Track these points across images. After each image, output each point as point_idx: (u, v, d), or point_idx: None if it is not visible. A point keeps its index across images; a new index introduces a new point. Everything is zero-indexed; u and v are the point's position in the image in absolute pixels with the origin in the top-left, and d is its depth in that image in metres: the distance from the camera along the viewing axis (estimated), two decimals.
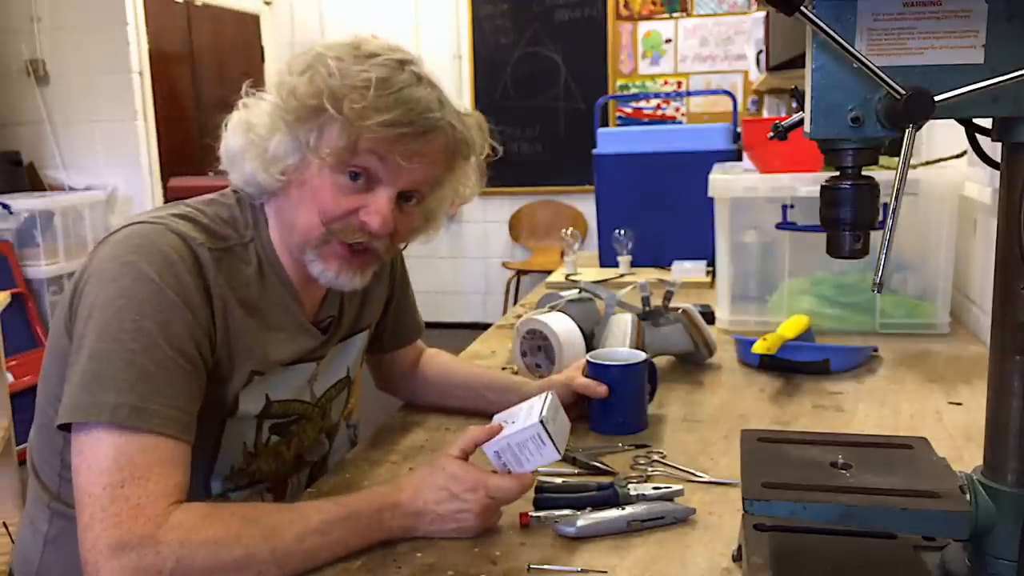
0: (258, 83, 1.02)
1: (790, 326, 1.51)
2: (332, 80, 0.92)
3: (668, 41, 5.27)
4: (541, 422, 0.91)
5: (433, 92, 0.97)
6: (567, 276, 2.40)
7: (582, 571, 0.85)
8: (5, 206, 3.80)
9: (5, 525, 2.15)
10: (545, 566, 0.85)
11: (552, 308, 1.49)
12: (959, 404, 1.29)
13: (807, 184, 1.64)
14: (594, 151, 2.52)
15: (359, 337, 1.20)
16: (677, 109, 5.34)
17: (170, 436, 0.84)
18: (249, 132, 0.97)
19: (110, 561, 0.77)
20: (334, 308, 1.12)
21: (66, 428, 0.84)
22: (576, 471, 1.09)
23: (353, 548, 0.88)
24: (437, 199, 1.06)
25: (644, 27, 5.29)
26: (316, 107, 0.93)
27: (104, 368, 0.83)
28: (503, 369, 1.56)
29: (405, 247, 1.12)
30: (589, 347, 1.41)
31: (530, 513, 0.94)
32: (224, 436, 1.01)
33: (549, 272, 2.70)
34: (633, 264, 2.43)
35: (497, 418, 0.98)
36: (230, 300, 0.95)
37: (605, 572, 0.84)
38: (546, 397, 0.98)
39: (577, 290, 1.56)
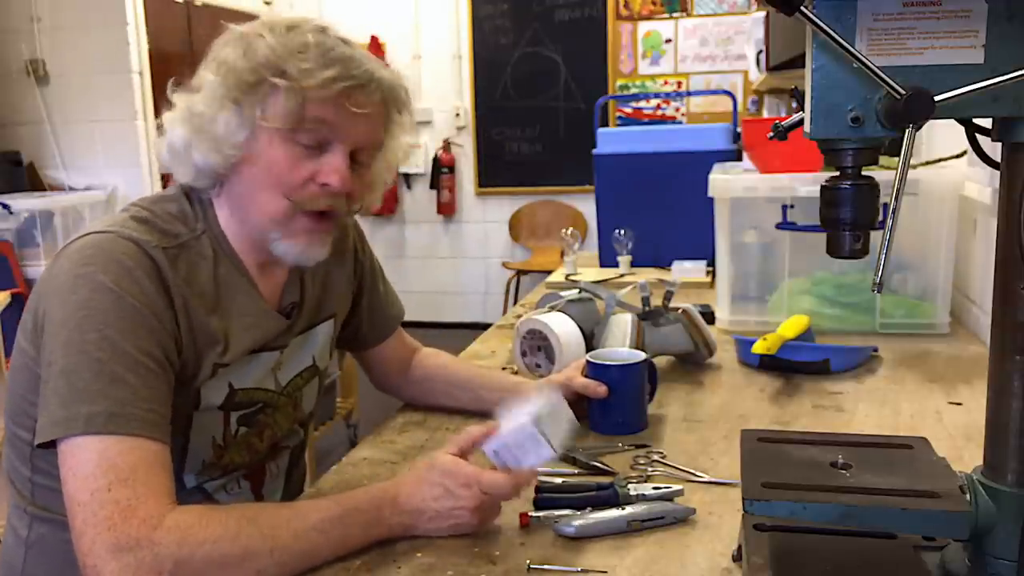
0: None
1: (790, 326, 1.51)
2: (269, 51, 0.94)
3: (668, 41, 5.27)
4: (535, 421, 0.91)
5: (359, 50, 1.01)
6: (567, 276, 2.40)
7: (582, 571, 0.85)
8: (5, 206, 3.80)
9: None
10: (545, 566, 0.85)
11: (552, 308, 1.49)
12: (959, 404, 1.29)
13: (807, 184, 1.64)
14: (594, 151, 2.52)
15: (323, 326, 1.19)
16: (677, 109, 5.34)
17: (148, 438, 0.85)
18: (192, 120, 0.98)
19: (110, 563, 0.77)
20: (295, 294, 1.12)
21: (47, 446, 0.85)
22: (576, 471, 1.09)
23: (352, 546, 0.88)
24: (381, 161, 1.09)
25: (644, 27, 5.29)
26: (258, 79, 0.95)
27: (74, 381, 0.84)
28: (503, 369, 1.56)
29: (360, 210, 1.12)
30: (589, 347, 1.41)
31: (530, 513, 0.94)
32: (192, 431, 1.01)
33: (549, 272, 2.70)
34: (633, 264, 2.43)
35: (498, 416, 0.98)
36: (189, 297, 0.96)
37: (605, 572, 0.84)
38: (545, 395, 0.98)
39: (577, 290, 1.56)
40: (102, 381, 0.84)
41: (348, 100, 0.96)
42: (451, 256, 5.86)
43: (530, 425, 0.91)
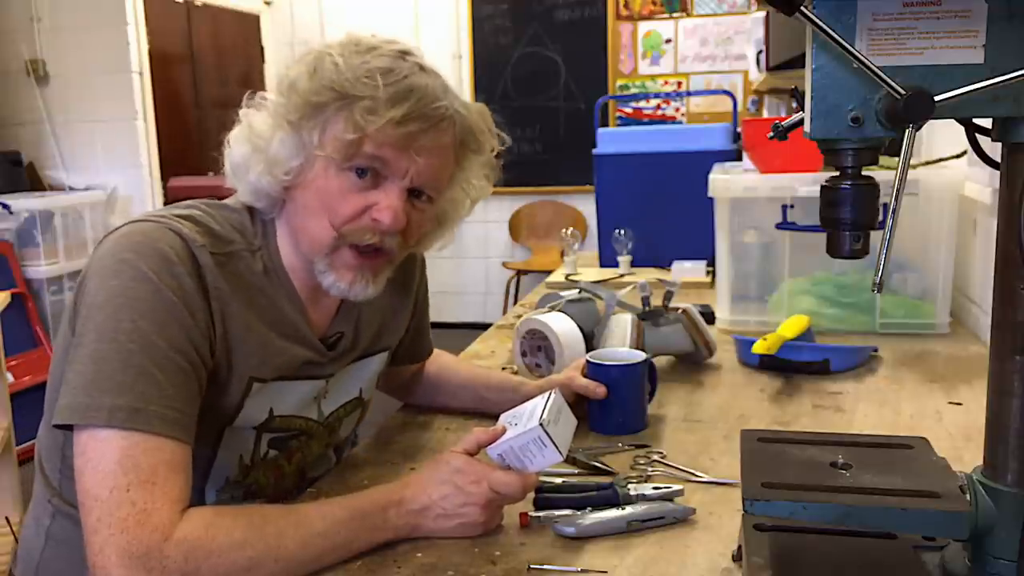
0: (258, 85, 1.01)
1: (790, 326, 1.51)
2: (336, 73, 0.91)
3: (668, 41, 5.27)
4: (541, 424, 0.91)
5: (438, 80, 0.96)
6: (567, 276, 2.40)
7: (582, 571, 0.85)
8: (5, 206, 3.80)
9: (8, 521, 2.15)
10: (545, 566, 0.85)
11: (552, 308, 1.49)
12: (959, 404, 1.29)
13: (807, 184, 1.64)
14: (594, 151, 2.52)
15: (377, 358, 1.17)
16: (677, 109, 5.34)
17: (172, 438, 0.83)
18: (252, 138, 0.96)
19: (118, 569, 0.77)
20: (347, 325, 1.09)
21: (65, 427, 0.84)
22: (576, 471, 1.09)
23: (358, 549, 0.88)
24: (447, 199, 1.05)
25: (644, 27, 5.29)
26: (320, 102, 0.92)
27: (101, 369, 0.83)
28: (503, 369, 1.56)
29: (417, 247, 1.08)
30: (589, 347, 1.41)
31: (530, 513, 0.94)
32: (221, 446, 0.99)
33: (549, 272, 2.70)
34: (633, 264, 2.43)
35: (502, 419, 0.98)
36: (229, 304, 0.93)
37: (605, 572, 0.84)
38: (549, 397, 0.98)
39: (577, 290, 1.56)
40: (130, 373, 0.82)
41: (412, 141, 0.93)
42: (451, 256, 5.85)
43: (537, 429, 0.91)
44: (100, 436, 0.81)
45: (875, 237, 0.70)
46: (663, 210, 2.42)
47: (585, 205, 5.39)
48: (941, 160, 1.73)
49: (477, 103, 1.02)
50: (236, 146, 0.98)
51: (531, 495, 0.98)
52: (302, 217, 0.97)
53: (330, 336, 1.07)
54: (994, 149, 0.70)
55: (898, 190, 0.64)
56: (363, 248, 0.97)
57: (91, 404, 0.81)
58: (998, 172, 0.70)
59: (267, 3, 5.57)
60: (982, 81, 0.64)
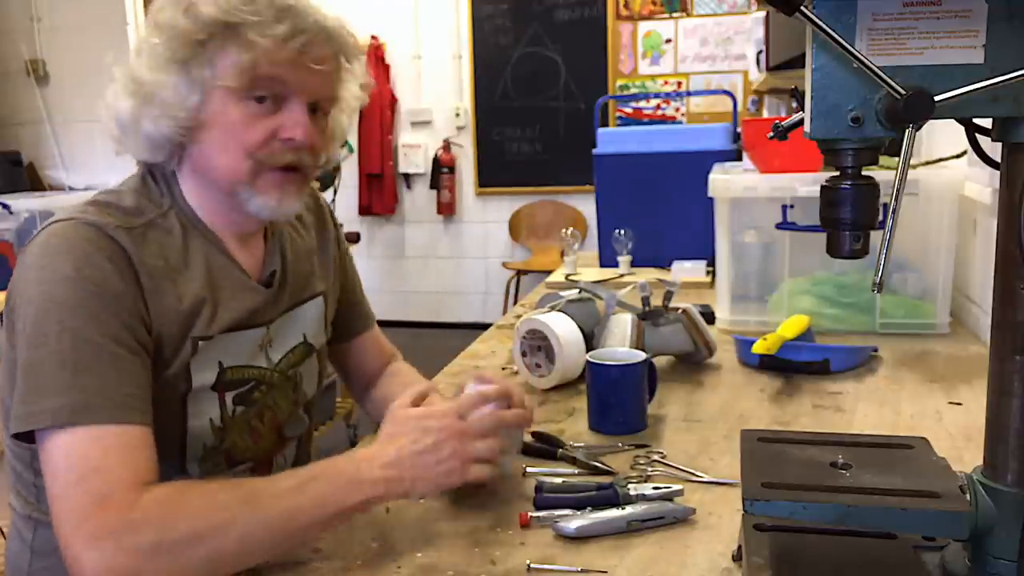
0: None
1: (790, 326, 1.51)
2: (215, 6, 0.91)
3: (668, 41, 5.27)
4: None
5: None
6: (567, 276, 2.40)
7: (582, 571, 0.85)
8: (5, 206, 3.80)
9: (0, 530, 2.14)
10: (545, 566, 0.85)
11: (552, 308, 1.49)
12: (959, 404, 1.29)
13: (807, 184, 1.64)
14: (594, 151, 2.52)
15: (312, 304, 1.17)
16: (677, 109, 5.34)
17: (123, 423, 0.84)
18: (138, 90, 0.95)
19: (88, 552, 0.77)
20: (275, 263, 1.10)
21: (27, 440, 0.85)
22: (576, 471, 1.09)
23: (335, 505, 0.86)
24: (338, 111, 1.07)
25: (644, 27, 5.29)
26: (206, 37, 0.92)
27: (38, 374, 0.84)
28: (503, 369, 1.56)
29: (325, 163, 1.09)
30: (589, 347, 1.41)
31: (530, 513, 0.94)
32: (188, 415, 0.99)
33: (549, 272, 2.70)
34: (633, 264, 2.43)
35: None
36: (160, 275, 0.94)
37: (605, 572, 0.84)
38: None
39: (577, 290, 1.56)
40: (65, 373, 0.83)
41: (304, 56, 0.94)
42: (451, 256, 5.86)
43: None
44: (49, 439, 0.83)
45: (875, 237, 0.70)
46: (663, 210, 2.42)
47: (585, 205, 5.39)
48: (941, 160, 1.73)
49: (335, 15, 1.02)
50: (121, 102, 0.96)
51: (531, 495, 0.98)
52: (211, 155, 0.97)
53: (265, 277, 1.08)
54: (994, 149, 0.70)
55: (898, 190, 0.64)
56: (283, 168, 0.99)
57: (33, 411, 0.83)
58: (998, 172, 0.70)
59: None
60: (982, 81, 0.64)
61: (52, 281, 0.87)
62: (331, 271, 1.23)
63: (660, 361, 1.53)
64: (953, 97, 0.64)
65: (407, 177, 5.79)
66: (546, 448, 1.14)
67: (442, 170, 5.63)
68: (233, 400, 1.04)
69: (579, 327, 1.43)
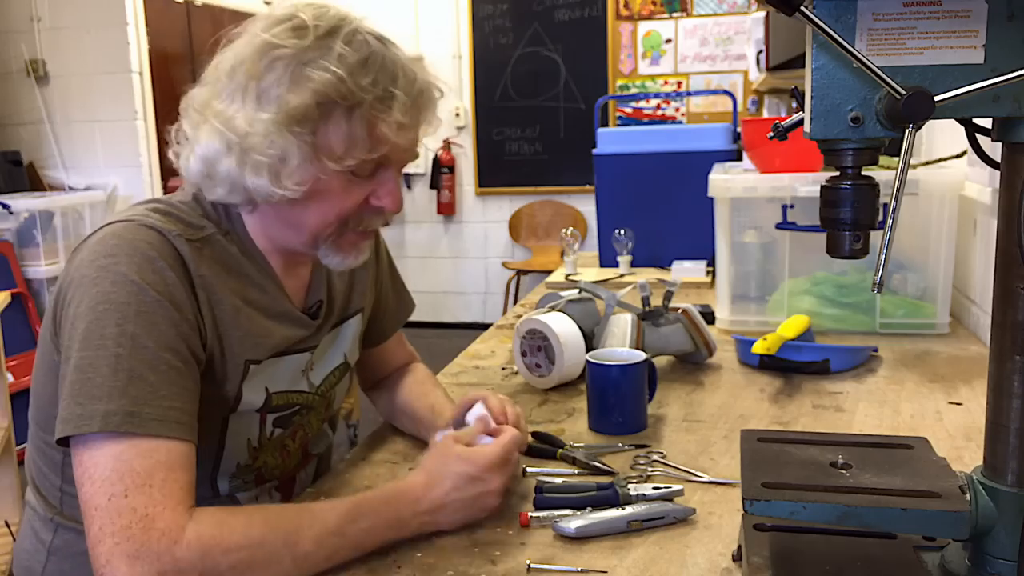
0: None
1: (790, 326, 1.51)
2: (330, 75, 0.87)
3: (668, 41, 5.27)
4: None
5: (397, 48, 0.95)
6: (567, 276, 2.41)
7: (582, 571, 0.85)
8: (5, 206, 3.80)
9: (7, 524, 2.15)
10: (545, 566, 0.85)
11: (552, 308, 1.48)
12: (959, 404, 1.29)
13: (807, 184, 1.64)
14: (594, 151, 2.52)
15: (352, 322, 1.17)
16: (677, 109, 5.34)
17: (170, 438, 0.82)
18: (236, 141, 0.89)
19: (130, 570, 0.75)
20: (321, 293, 1.09)
21: (64, 443, 0.82)
22: (576, 471, 1.09)
23: (370, 546, 0.87)
24: None
25: (644, 27, 5.29)
26: (324, 111, 0.88)
27: (91, 376, 0.81)
28: (503, 369, 1.56)
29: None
30: (589, 347, 1.41)
31: (530, 513, 0.94)
32: (228, 434, 0.99)
33: (549, 272, 2.71)
34: (633, 264, 2.43)
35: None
36: (214, 290, 0.92)
37: (605, 572, 0.84)
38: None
39: (577, 290, 1.56)
40: (120, 378, 0.81)
41: (412, 133, 0.94)
42: (451, 256, 5.86)
43: None
44: (95, 444, 0.80)
45: (875, 237, 0.70)
46: (663, 210, 2.42)
47: (585, 205, 5.40)
48: (941, 160, 1.73)
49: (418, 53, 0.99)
50: (211, 144, 0.91)
51: (531, 495, 0.98)
52: (301, 213, 0.95)
53: (310, 307, 1.08)
54: (994, 149, 0.70)
55: (898, 190, 0.64)
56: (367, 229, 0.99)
57: (83, 413, 0.80)
58: (998, 172, 0.70)
59: (267, 3, 5.56)
60: (982, 81, 0.64)
61: (112, 282, 0.84)
62: (370, 286, 1.22)
63: (660, 361, 1.53)
64: (953, 97, 0.64)
65: (407, 177, 5.79)
66: (546, 448, 1.14)
67: (442, 170, 5.63)
68: (273, 423, 1.04)
69: (579, 327, 1.43)
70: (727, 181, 1.74)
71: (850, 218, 0.70)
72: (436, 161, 5.66)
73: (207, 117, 0.91)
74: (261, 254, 1.00)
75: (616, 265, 2.44)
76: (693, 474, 1.06)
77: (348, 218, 0.95)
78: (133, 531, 0.76)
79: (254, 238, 1.00)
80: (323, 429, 1.17)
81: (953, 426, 1.20)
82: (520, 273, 5.46)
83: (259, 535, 0.81)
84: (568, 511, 0.94)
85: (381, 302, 1.26)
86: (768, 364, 1.45)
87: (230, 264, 0.96)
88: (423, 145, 1.07)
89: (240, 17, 5.66)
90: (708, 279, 2.25)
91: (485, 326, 1.99)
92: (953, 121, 0.70)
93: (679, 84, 5.30)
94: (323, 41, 0.89)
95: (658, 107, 5.37)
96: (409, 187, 5.81)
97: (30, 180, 4.33)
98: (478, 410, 1.06)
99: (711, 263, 2.27)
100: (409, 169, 5.70)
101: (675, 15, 5.23)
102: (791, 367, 1.45)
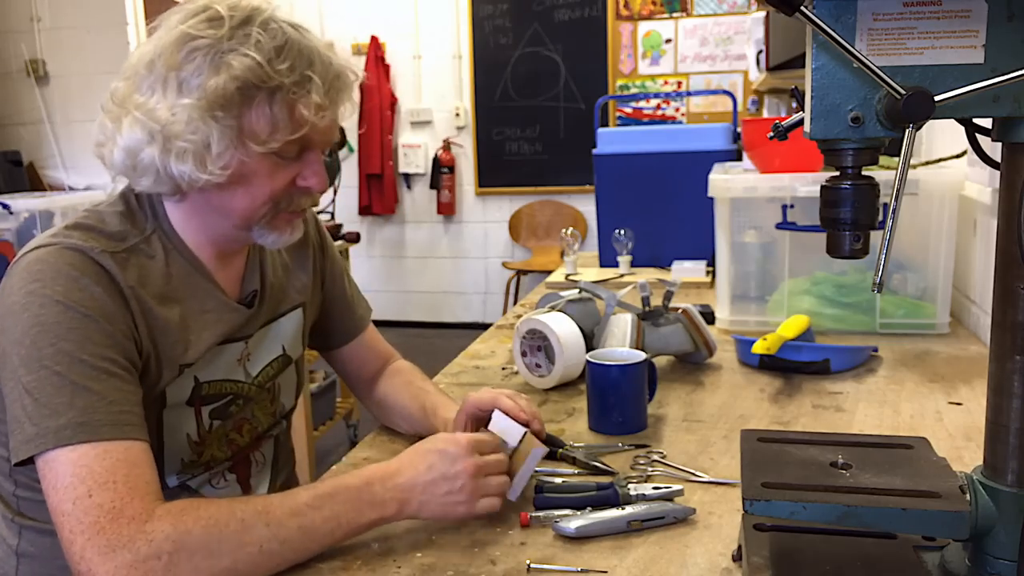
0: None
1: (790, 326, 1.51)
2: (250, 62, 0.89)
3: (668, 41, 5.27)
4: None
5: (311, 35, 0.97)
6: (567, 276, 2.41)
7: (582, 571, 0.85)
8: (5, 206, 3.80)
9: None
10: (545, 566, 0.85)
11: (552, 308, 1.49)
12: (959, 404, 1.29)
13: (807, 184, 1.64)
14: (594, 151, 2.52)
15: (291, 316, 1.17)
16: (677, 109, 5.34)
17: (124, 439, 0.84)
18: (158, 130, 0.91)
19: (104, 565, 0.77)
20: (255, 281, 1.11)
21: (28, 463, 0.84)
22: (576, 471, 1.09)
23: (349, 526, 0.87)
24: None
25: (644, 27, 5.29)
26: (246, 96, 0.91)
27: (37, 398, 0.84)
28: (503, 369, 1.56)
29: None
30: (589, 347, 1.41)
31: (530, 513, 0.94)
32: (164, 431, 1.00)
33: (549, 272, 2.71)
34: (633, 264, 2.43)
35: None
36: (145, 300, 0.94)
37: (605, 572, 0.84)
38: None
39: (577, 290, 1.56)
40: (65, 393, 0.84)
41: (334, 115, 0.97)
42: (451, 256, 5.86)
43: (541, 450, 0.98)
44: (53, 458, 0.82)
45: (875, 237, 0.70)
46: (663, 210, 2.42)
47: (585, 205, 5.40)
48: (941, 160, 1.73)
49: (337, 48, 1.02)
50: (134, 134, 0.92)
51: (531, 495, 0.98)
52: (230, 199, 0.97)
53: (245, 297, 1.09)
54: (994, 149, 0.70)
55: (898, 190, 0.64)
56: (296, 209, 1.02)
57: (38, 432, 0.83)
58: (998, 172, 0.70)
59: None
60: (982, 81, 0.64)
61: (40, 305, 0.87)
62: (311, 280, 1.22)
63: (660, 361, 1.53)
64: (953, 97, 0.64)
65: (407, 177, 5.79)
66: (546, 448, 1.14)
67: (442, 170, 5.63)
68: (210, 415, 1.05)
69: (579, 327, 1.43)
70: (727, 181, 1.74)
71: (850, 218, 0.70)
72: (436, 161, 5.66)
73: (128, 109, 0.93)
74: (190, 250, 1.02)
75: (616, 265, 2.44)
76: (693, 474, 1.06)
77: (279, 199, 0.98)
78: (102, 524, 0.78)
79: (183, 233, 1.01)
80: (277, 422, 1.17)
81: (953, 426, 1.20)
82: (520, 273, 5.46)
83: (229, 507, 0.83)
84: (568, 511, 0.94)
85: (333, 297, 1.27)
86: (768, 364, 1.45)
87: (157, 269, 0.98)
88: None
89: None
90: (708, 279, 2.25)
91: (485, 326, 1.99)
92: (953, 121, 0.70)
93: (679, 84, 5.30)
94: (239, 30, 0.92)
95: (658, 107, 5.37)
96: (409, 187, 5.81)
97: (30, 180, 4.33)
98: (502, 422, 1.03)
99: (711, 263, 2.27)
100: (409, 169, 5.71)
101: (675, 15, 5.23)
102: (791, 367, 1.45)
